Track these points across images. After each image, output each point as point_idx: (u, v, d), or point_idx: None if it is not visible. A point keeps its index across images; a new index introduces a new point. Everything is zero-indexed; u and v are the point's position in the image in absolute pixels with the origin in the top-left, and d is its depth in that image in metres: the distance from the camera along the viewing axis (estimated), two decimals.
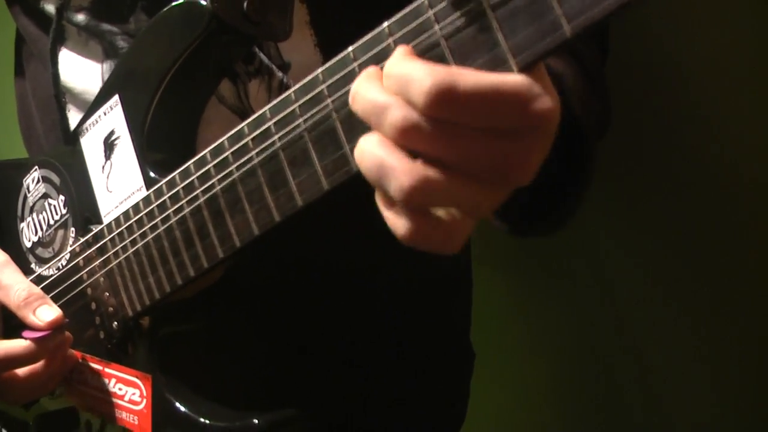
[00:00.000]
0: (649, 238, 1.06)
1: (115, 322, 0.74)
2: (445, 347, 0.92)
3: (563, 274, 1.15)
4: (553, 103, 0.46)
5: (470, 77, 0.44)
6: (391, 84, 0.46)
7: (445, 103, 0.44)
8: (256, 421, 0.66)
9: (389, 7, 0.51)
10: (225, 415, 0.69)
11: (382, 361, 0.85)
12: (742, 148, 0.97)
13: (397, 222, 0.48)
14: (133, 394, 0.74)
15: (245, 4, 0.66)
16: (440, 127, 0.45)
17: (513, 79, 0.45)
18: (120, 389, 0.75)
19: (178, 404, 0.70)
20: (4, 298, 0.74)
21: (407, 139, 0.45)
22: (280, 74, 0.73)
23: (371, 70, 0.48)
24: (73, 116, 0.82)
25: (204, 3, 0.66)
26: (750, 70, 0.95)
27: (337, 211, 0.59)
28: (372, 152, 0.46)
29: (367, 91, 0.47)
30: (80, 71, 0.80)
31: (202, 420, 0.68)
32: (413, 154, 0.46)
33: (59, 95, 0.79)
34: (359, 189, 0.54)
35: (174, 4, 0.68)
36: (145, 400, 0.73)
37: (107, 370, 0.76)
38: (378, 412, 0.85)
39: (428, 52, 0.49)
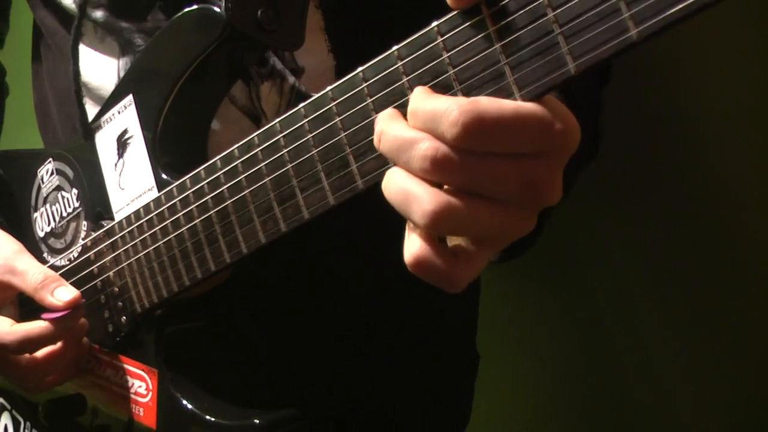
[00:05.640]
0: (656, 240, 1.06)
1: (124, 317, 0.76)
2: (451, 346, 0.94)
3: (569, 276, 1.15)
4: (572, 122, 0.47)
5: (492, 106, 0.45)
6: (419, 120, 0.47)
7: (473, 133, 0.45)
8: (257, 421, 0.68)
9: (402, 16, 0.52)
10: (228, 413, 0.71)
11: (386, 358, 0.86)
12: (748, 148, 0.97)
13: (407, 244, 0.48)
14: (140, 386, 0.76)
15: (259, 13, 0.66)
16: (468, 156, 0.46)
17: (529, 105, 0.46)
18: (127, 381, 0.77)
19: (183, 400, 0.72)
20: (21, 284, 0.76)
21: (437, 171, 0.46)
22: (292, 79, 0.74)
23: (391, 110, 0.50)
24: (89, 110, 0.83)
25: (218, 10, 0.66)
26: (754, 69, 0.95)
27: (343, 210, 0.60)
28: (398, 182, 0.47)
29: (394, 129, 0.48)
30: (96, 66, 0.81)
31: (207, 417, 0.70)
32: (439, 187, 0.47)
33: (79, 92, 0.80)
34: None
35: (189, 9, 0.69)
36: (150, 393, 0.75)
37: (115, 361, 0.78)
38: (382, 408, 0.87)
39: (435, 80, 0.50)
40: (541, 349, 1.20)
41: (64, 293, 0.75)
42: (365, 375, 0.85)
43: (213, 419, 0.70)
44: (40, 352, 0.76)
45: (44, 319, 0.74)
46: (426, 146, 0.46)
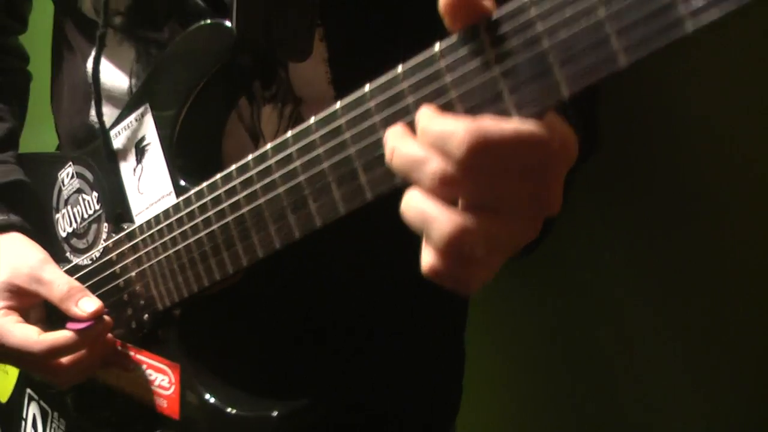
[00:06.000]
0: (647, 239, 1.07)
1: (146, 314, 0.80)
2: (444, 342, 0.97)
3: (565, 276, 1.15)
4: (570, 137, 0.51)
5: (495, 128, 0.49)
6: (428, 140, 0.50)
7: (479, 152, 0.48)
8: (275, 413, 0.72)
9: (406, 50, 0.55)
10: (248, 404, 0.75)
11: (388, 352, 0.90)
12: (748, 149, 0.97)
13: (424, 256, 0.52)
14: (163, 380, 0.80)
15: (269, 25, 0.69)
16: (474, 174, 0.49)
17: (528, 126, 0.49)
18: (150, 375, 0.81)
19: (204, 392, 0.77)
20: (47, 293, 0.80)
21: (446, 188, 0.50)
22: (293, 104, 0.77)
23: (400, 128, 0.53)
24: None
25: (230, 25, 0.70)
26: (752, 70, 0.96)
27: (351, 216, 0.64)
28: (415, 205, 0.51)
29: (405, 147, 0.52)
30: (111, 70, 0.83)
31: (228, 409, 0.75)
32: (452, 202, 0.50)
33: (100, 115, 0.82)
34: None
35: (203, 23, 0.72)
36: (173, 387, 0.79)
37: (139, 356, 0.82)
38: (383, 397, 0.90)
39: (438, 99, 0.53)
40: (536, 349, 1.21)
41: (88, 304, 0.79)
42: (365, 376, 0.89)
43: (234, 410, 0.75)
44: (66, 358, 0.80)
45: (69, 329, 0.79)
46: (435, 165, 0.49)
